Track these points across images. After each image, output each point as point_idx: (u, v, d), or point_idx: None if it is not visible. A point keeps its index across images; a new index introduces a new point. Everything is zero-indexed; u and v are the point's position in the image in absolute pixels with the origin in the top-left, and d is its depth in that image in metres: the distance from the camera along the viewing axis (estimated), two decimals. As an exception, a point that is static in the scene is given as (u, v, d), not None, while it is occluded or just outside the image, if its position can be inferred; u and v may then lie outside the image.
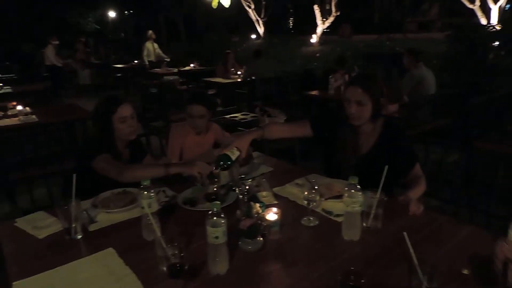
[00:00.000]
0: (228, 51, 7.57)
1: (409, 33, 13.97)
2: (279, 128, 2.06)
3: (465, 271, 1.23)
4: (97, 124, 2.09)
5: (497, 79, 5.70)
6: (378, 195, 1.47)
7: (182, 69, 8.67)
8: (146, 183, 1.44)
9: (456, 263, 1.26)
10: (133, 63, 10.45)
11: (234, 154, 1.69)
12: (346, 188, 1.41)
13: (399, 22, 15.98)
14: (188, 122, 2.41)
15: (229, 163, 1.66)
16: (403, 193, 1.70)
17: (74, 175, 1.53)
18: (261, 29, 14.96)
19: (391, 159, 1.59)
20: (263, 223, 1.37)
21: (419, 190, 1.80)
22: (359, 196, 1.39)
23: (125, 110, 2.03)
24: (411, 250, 1.08)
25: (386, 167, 1.50)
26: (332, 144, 2.02)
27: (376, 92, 1.84)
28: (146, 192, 1.43)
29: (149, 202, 1.41)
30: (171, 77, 6.17)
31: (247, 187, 1.62)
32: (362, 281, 0.96)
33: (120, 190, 1.85)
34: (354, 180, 1.39)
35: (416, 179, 1.86)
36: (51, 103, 6.25)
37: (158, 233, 1.26)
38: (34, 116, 3.90)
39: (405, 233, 1.11)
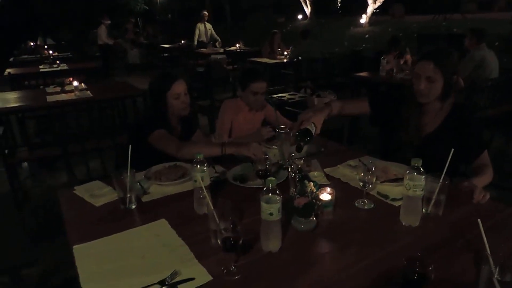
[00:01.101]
0: (275, 31, 7.44)
1: (468, 13, 13.02)
2: (340, 104, 1.97)
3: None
4: (152, 101, 2.13)
5: None
6: (441, 180, 1.37)
7: (227, 49, 8.67)
8: (200, 157, 1.44)
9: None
10: (180, 43, 10.59)
11: (313, 129, 1.68)
12: (408, 171, 1.33)
13: (456, 1, 14.91)
14: (248, 100, 2.41)
15: (309, 138, 1.66)
16: (467, 180, 1.59)
17: (130, 146, 1.55)
18: (308, 10, 14.58)
19: (457, 143, 1.47)
20: (317, 202, 1.33)
21: (485, 179, 1.67)
22: (422, 179, 1.31)
23: (179, 87, 2.06)
24: (485, 239, 0.99)
25: (452, 150, 1.39)
26: (392, 123, 1.92)
27: (449, 68, 1.71)
28: (199, 166, 1.43)
29: (202, 175, 1.40)
30: (218, 56, 6.18)
31: (299, 166, 1.58)
32: (430, 268, 0.89)
33: (171, 164, 1.87)
34: (417, 162, 1.30)
35: (483, 167, 1.72)
36: (103, 81, 6.49)
37: (211, 206, 1.26)
38: (88, 92, 4.06)
39: (479, 220, 1.02)
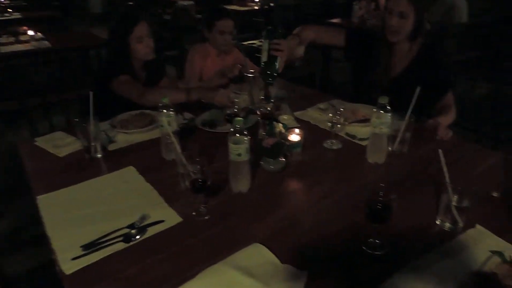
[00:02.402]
0: (244, -24, 7.09)
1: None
2: (315, 32, 1.93)
3: (495, 194, 1.19)
4: (114, 45, 2.01)
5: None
6: (407, 118, 1.39)
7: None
8: (165, 101, 1.39)
9: (486, 186, 1.21)
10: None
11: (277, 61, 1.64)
12: (375, 109, 1.34)
13: None
14: (215, 41, 2.32)
15: (275, 74, 1.63)
16: (432, 118, 1.62)
17: (91, 93, 1.48)
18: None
19: (424, 83, 1.49)
20: (285, 142, 1.33)
21: (449, 118, 1.71)
22: (388, 117, 1.32)
23: (142, 30, 1.94)
24: (445, 168, 1.03)
25: (418, 88, 1.40)
26: (364, 62, 1.91)
27: (421, 5, 1.70)
28: (165, 111, 1.39)
29: (168, 120, 1.37)
30: (185, 3, 5.86)
31: (268, 109, 1.57)
32: (392, 197, 0.92)
33: (138, 111, 1.81)
34: (384, 100, 1.31)
35: (446, 108, 1.76)
36: (63, 31, 6.08)
37: (179, 150, 1.23)
38: (46, 42, 3.81)
39: (440, 150, 1.05)
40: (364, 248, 0.99)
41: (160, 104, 1.39)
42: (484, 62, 4.34)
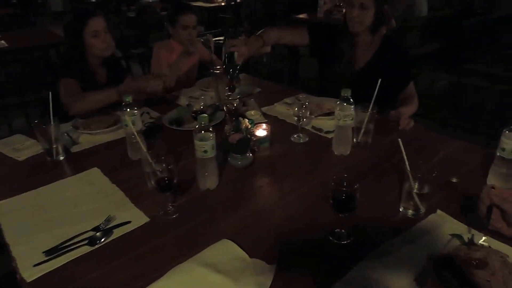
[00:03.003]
0: (209, -29, 7.02)
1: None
2: (278, 33, 1.93)
3: (454, 180, 1.24)
4: (68, 41, 1.93)
5: (491, 1, 5.49)
6: (370, 109, 1.42)
7: (161, -8, 8.08)
8: (128, 99, 1.36)
9: (446, 173, 1.26)
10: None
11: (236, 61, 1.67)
12: (338, 102, 1.36)
13: None
14: (179, 36, 2.29)
15: (236, 68, 1.66)
16: (395, 110, 1.67)
17: (50, 93, 1.43)
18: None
19: (387, 75, 1.53)
20: (252, 138, 1.33)
21: (411, 108, 1.76)
22: (351, 109, 1.35)
23: (97, 23, 1.86)
24: (405, 156, 1.06)
25: (380, 80, 1.43)
26: (328, 56, 1.94)
27: None
28: (129, 110, 1.36)
29: (132, 119, 1.34)
30: (150, 0, 5.74)
31: (235, 105, 1.57)
32: (355, 186, 0.94)
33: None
34: (346, 92, 1.34)
35: (409, 98, 1.81)
36: (21, 29, 5.82)
37: (144, 148, 1.21)
38: (3, 42, 3.63)
39: (399, 139, 1.09)
40: (330, 238, 1.01)
41: (123, 103, 1.36)
42: (445, 55, 4.51)
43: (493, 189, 1.04)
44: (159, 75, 1.88)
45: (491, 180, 1.20)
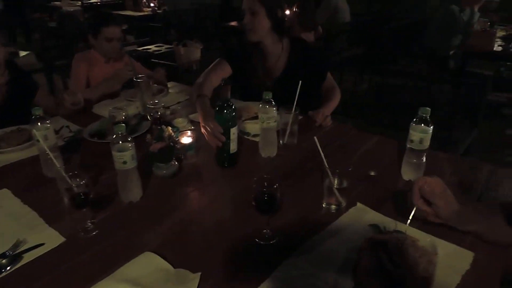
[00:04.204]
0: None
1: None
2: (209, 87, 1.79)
3: (372, 173, 1.31)
4: None
5: (408, 7, 5.97)
6: (293, 111, 1.46)
7: (85, 1, 7.71)
8: (38, 112, 1.26)
9: (365, 167, 1.33)
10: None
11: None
12: (260, 105, 1.38)
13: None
14: (102, 48, 2.20)
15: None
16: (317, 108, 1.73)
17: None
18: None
19: (304, 75, 1.58)
20: (177, 146, 1.30)
21: (333, 103, 1.84)
22: (274, 111, 1.37)
23: None
24: (322, 153, 1.10)
25: (300, 82, 1.48)
26: (246, 71, 1.91)
27: (272, 1, 1.70)
28: (39, 123, 1.26)
29: (45, 133, 1.24)
30: (71, 8, 5.43)
31: (159, 114, 1.53)
32: (275, 186, 0.96)
33: (13, 128, 1.63)
34: (267, 95, 1.36)
35: (330, 90, 1.88)
36: None
37: (58, 164, 1.13)
38: None
39: (315, 137, 1.13)
40: (257, 240, 1.02)
41: (32, 117, 1.26)
42: (368, 57, 4.81)
43: (426, 187, 1.00)
44: (74, 94, 1.80)
45: (405, 170, 1.29)
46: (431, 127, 1.20)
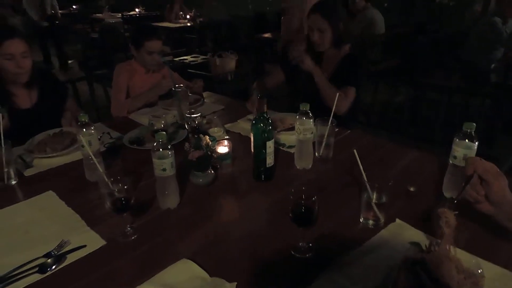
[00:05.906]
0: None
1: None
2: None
3: (411, 189, 1.27)
4: None
5: (444, 19, 5.83)
6: (329, 123, 1.45)
7: (126, 13, 8.04)
8: (84, 119, 1.32)
9: (404, 182, 1.30)
10: (72, 8, 9.52)
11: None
12: (297, 116, 1.38)
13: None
14: (143, 59, 2.26)
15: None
16: None
17: (1, 115, 1.36)
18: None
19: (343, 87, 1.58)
20: (213, 155, 1.32)
21: (327, 83, 1.89)
22: (310, 123, 1.37)
23: (13, 46, 1.72)
24: (361, 166, 1.08)
25: (338, 94, 1.47)
26: (297, 74, 2.03)
27: (334, 16, 1.92)
28: (85, 129, 1.31)
29: (89, 139, 1.30)
30: (112, 20, 5.66)
31: (197, 123, 1.56)
32: (313, 199, 0.95)
33: (56, 130, 1.71)
34: (305, 106, 1.36)
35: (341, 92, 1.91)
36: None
37: (101, 169, 1.17)
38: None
39: (354, 149, 1.11)
40: (293, 252, 1.01)
41: (79, 123, 1.32)
42: (404, 70, 4.71)
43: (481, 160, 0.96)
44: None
45: (446, 187, 1.24)
46: (476, 143, 1.15)
